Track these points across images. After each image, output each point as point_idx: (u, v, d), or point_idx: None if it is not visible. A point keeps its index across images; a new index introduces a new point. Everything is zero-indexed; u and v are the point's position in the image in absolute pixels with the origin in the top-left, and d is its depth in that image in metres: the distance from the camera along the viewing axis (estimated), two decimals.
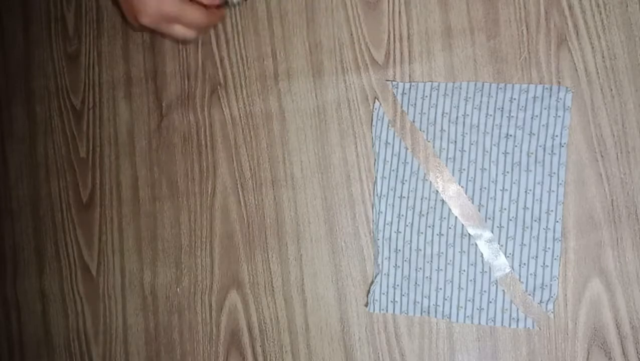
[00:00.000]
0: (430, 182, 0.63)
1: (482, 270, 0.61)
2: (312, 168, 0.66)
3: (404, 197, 0.63)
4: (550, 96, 0.60)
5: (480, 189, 0.62)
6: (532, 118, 0.61)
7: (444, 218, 0.62)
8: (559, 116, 0.60)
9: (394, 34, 0.65)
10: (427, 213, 0.63)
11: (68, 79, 0.76)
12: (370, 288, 0.64)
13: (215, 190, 0.69)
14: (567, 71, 0.61)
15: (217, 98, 0.70)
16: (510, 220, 0.61)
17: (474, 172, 0.62)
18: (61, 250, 0.74)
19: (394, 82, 0.64)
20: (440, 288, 0.62)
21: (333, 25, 0.66)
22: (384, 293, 0.63)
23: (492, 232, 0.61)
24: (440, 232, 0.62)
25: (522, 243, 0.61)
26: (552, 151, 0.60)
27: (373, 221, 0.64)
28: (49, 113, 0.76)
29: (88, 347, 0.73)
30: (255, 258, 0.67)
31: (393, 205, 0.63)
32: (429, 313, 0.62)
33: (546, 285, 0.60)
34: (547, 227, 0.60)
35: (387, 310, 0.63)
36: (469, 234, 0.62)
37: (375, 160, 0.64)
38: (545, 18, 0.61)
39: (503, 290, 0.61)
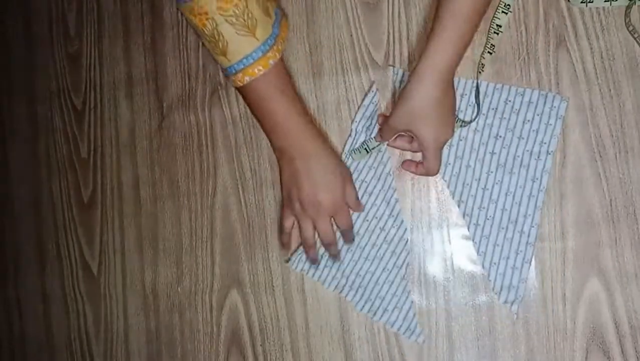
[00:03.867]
0: (393, 177, 0.64)
1: (404, 276, 0.63)
2: None
3: (365, 182, 0.64)
4: (545, 103, 0.61)
5: (463, 185, 0.62)
6: (524, 122, 0.61)
7: (393, 216, 0.63)
8: (550, 124, 0.60)
9: (394, 35, 0.65)
10: (380, 205, 0.64)
11: (69, 79, 0.76)
12: (298, 248, 0.65)
13: (215, 190, 0.69)
14: (566, 72, 0.61)
15: (218, 99, 0.70)
16: (487, 219, 0.62)
17: (459, 167, 0.62)
18: (62, 250, 0.75)
19: (394, 68, 0.64)
20: (360, 275, 0.64)
21: (333, 26, 0.67)
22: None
23: (468, 229, 0.62)
24: (383, 227, 0.63)
25: (496, 243, 0.61)
26: (538, 157, 0.60)
27: None
28: (50, 114, 0.76)
29: (89, 346, 0.73)
30: (256, 257, 0.68)
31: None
32: (341, 291, 0.64)
33: (513, 286, 0.60)
34: (522, 230, 0.60)
35: (306, 273, 0.65)
36: (408, 239, 0.63)
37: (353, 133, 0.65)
38: (544, 19, 0.61)
39: (412, 301, 0.62)
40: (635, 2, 0.59)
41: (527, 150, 0.61)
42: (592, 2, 0.60)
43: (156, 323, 0.70)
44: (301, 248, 0.64)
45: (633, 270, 0.59)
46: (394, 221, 0.63)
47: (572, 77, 0.61)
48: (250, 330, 0.67)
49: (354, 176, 0.64)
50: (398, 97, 0.58)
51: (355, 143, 0.64)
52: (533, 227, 0.60)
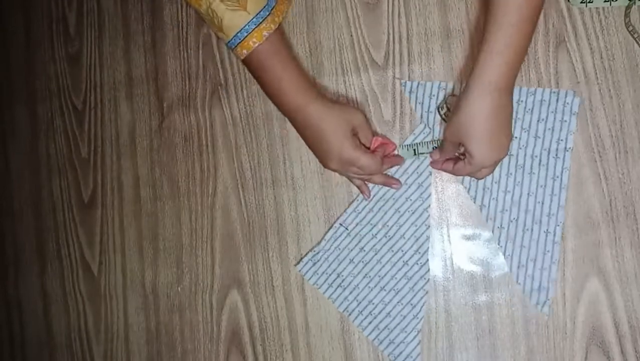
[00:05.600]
0: (429, 215, 0.63)
1: (417, 315, 0.62)
2: (312, 168, 0.67)
3: (399, 212, 0.64)
4: (557, 100, 0.60)
5: (483, 189, 0.62)
6: (538, 121, 0.61)
7: (419, 253, 0.63)
8: (565, 121, 0.60)
9: (394, 35, 0.65)
10: (409, 239, 0.63)
11: (69, 79, 0.76)
12: (308, 252, 0.65)
13: (216, 190, 0.69)
14: (566, 72, 0.61)
15: (218, 99, 0.70)
16: (511, 221, 0.61)
17: None
18: (63, 250, 0.75)
19: (402, 81, 0.64)
20: (373, 304, 0.64)
21: (333, 27, 0.67)
22: (326, 273, 0.65)
23: (493, 233, 0.62)
24: (407, 261, 0.63)
25: (522, 245, 0.61)
26: (556, 155, 0.60)
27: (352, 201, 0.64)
28: (51, 114, 0.76)
29: (89, 346, 0.73)
30: (256, 257, 0.68)
31: (378, 201, 0.64)
32: (349, 315, 0.64)
33: (543, 288, 0.60)
34: (547, 230, 0.60)
35: (319, 288, 0.65)
36: (428, 279, 0.63)
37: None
38: (544, 19, 0.61)
39: (419, 341, 0.62)
40: (634, 3, 0.59)
41: (545, 149, 0.60)
42: (591, 2, 0.60)
43: (156, 323, 0.71)
44: (310, 253, 0.65)
45: (633, 270, 0.59)
46: (419, 258, 0.63)
47: (572, 77, 0.61)
48: (250, 329, 0.67)
49: (389, 204, 0.63)
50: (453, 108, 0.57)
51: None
52: (558, 225, 0.60)
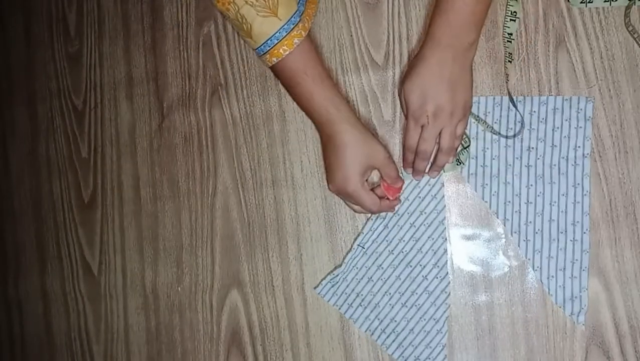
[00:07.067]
0: (445, 227, 0.63)
1: (440, 329, 0.62)
2: (312, 168, 0.67)
3: (414, 226, 0.63)
4: (570, 107, 0.60)
5: (505, 203, 0.62)
6: (553, 130, 0.60)
7: (438, 266, 0.62)
8: (580, 127, 0.60)
9: (394, 35, 0.65)
10: (426, 252, 0.63)
11: (70, 79, 0.76)
12: (327, 275, 0.65)
13: (216, 190, 0.70)
14: (566, 72, 0.61)
15: (218, 99, 0.70)
16: (536, 233, 0.61)
17: (497, 186, 0.62)
18: (63, 250, 0.75)
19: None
20: (396, 321, 0.63)
21: (333, 27, 0.67)
22: (345, 293, 0.64)
23: (519, 246, 0.61)
24: (426, 276, 0.63)
25: (549, 255, 0.60)
26: (575, 162, 0.60)
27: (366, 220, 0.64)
28: (51, 114, 0.77)
29: (89, 346, 0.73)
30: (256, 257, 0.68)
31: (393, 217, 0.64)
32: (372, 333, 0.64)
33: (576, 297, 0.59)
34: (574, 238, 0.60)
35: (339, 309, 0.65)
36: (449, 293, 0.62)
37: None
38: (544, 19, 0.62)
39: (445, 355, 0.62)
40: (634, 3, 0.59)
41: (563, 158, 0.60)
42: (591, 2, 0.60)
43: (156, 322, 0.71)
44: (329, 276, 0.64)
45: (633, 270, 0.59)
46: (439, 272, 0.62)
47: (572, 78, 0.61)
48: (250, 329, 0.67)
49: (404, 219, 0.63)
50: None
51: None
52: (585, 233, 0.59)
